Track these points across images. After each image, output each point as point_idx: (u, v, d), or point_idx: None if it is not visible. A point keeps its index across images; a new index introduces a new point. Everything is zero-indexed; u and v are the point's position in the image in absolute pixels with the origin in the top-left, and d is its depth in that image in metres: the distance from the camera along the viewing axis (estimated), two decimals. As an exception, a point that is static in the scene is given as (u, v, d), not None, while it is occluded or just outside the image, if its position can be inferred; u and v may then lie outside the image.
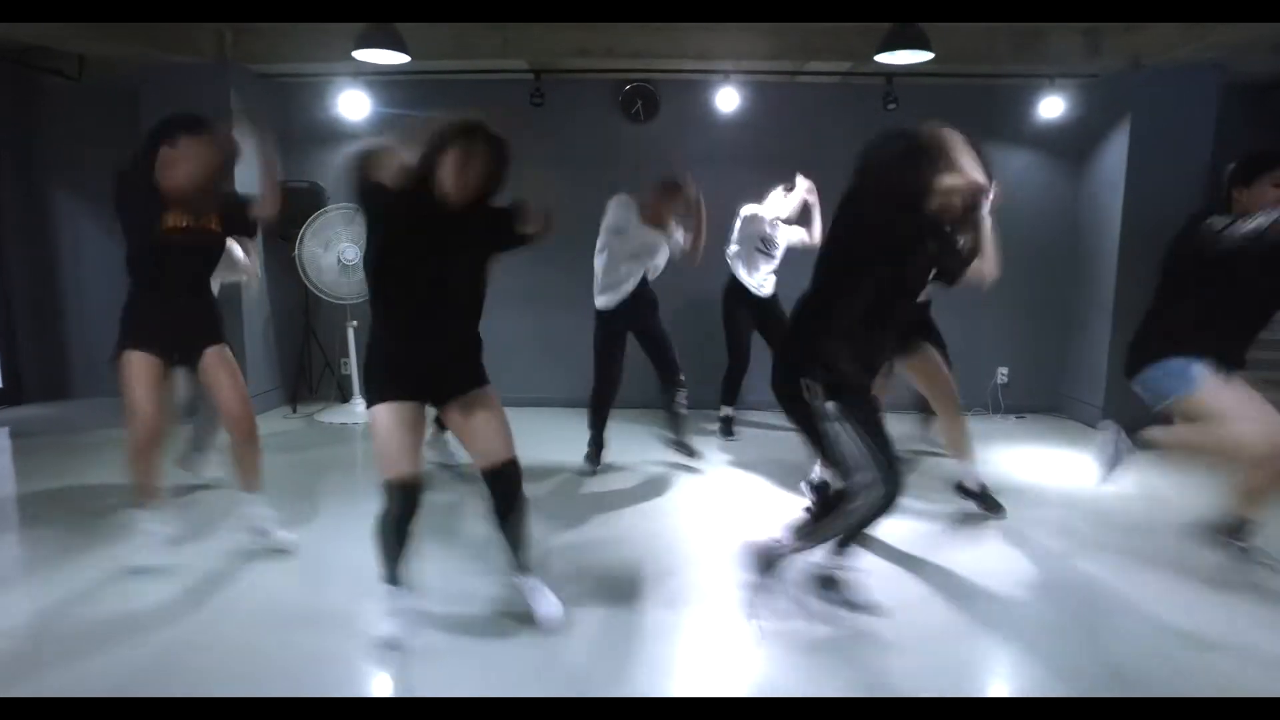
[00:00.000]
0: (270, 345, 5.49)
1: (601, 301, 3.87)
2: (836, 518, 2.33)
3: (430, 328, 2.23)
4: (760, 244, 4.48)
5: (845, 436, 2.26)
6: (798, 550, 2.43)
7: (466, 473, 3.54)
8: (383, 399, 2.21)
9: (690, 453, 4.14)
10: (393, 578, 2.26)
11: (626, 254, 3.81)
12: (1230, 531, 2.80)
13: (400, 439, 2.17)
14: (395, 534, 2.20)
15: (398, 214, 2.15)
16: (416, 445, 2.24)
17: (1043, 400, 5.53)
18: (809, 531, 2.41)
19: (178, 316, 2.74)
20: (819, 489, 3.35)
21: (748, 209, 4.47)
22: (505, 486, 2.32)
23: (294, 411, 5.41)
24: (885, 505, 2.24)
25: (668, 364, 3.99)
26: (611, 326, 3.90)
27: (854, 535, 2.39)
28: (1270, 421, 2.52)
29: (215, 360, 2.80)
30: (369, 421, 2.26)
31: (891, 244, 2.25)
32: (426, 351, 2.25)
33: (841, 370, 2.28)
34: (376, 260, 2.22)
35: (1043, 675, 2.21)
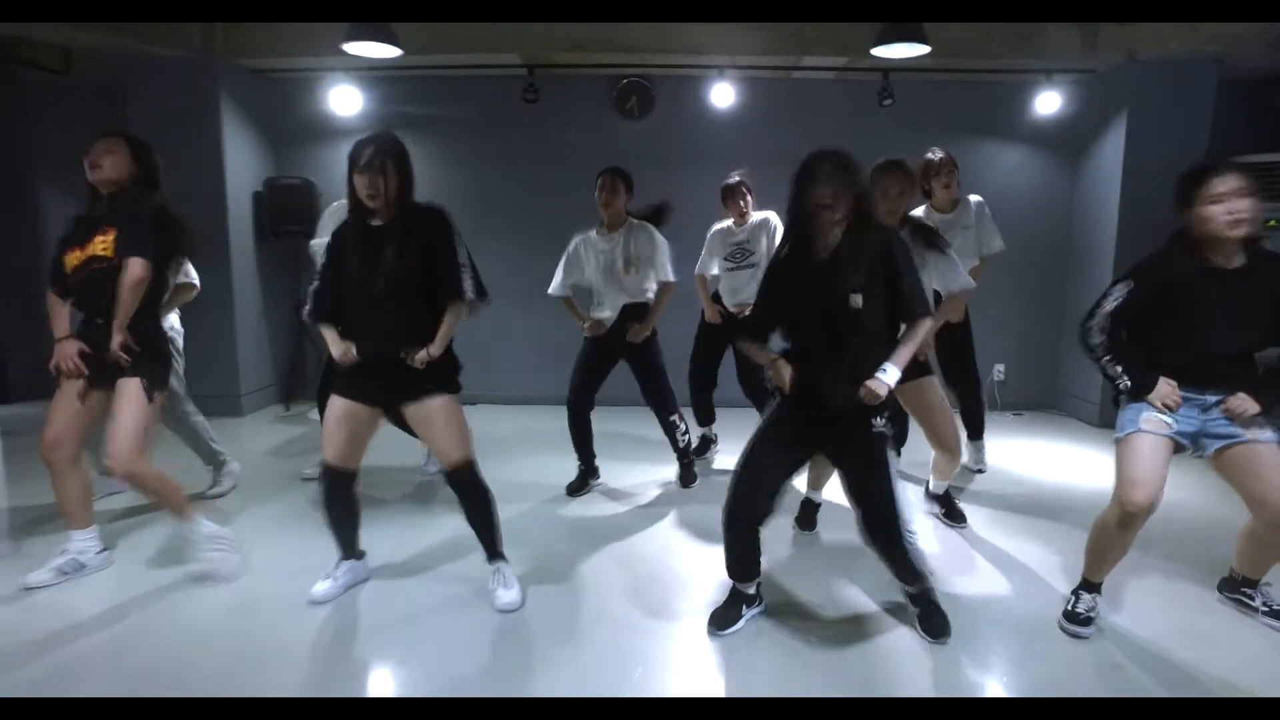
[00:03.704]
0: (263, 342, 5.44)
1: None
2: None
3: (364, 337, 2.42)
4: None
5: None
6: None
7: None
8: (336, 390, 2.49)
9: (685, 479, 3.81)
10: (338, 547, 2.62)
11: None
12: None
13: (329, 428, 2.47)
14: (324, 508, 2.55)
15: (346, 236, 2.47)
16: (343, 437, 2.46)
17: (1041, 397, 5.52)
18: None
19: (90, 341, 2.62)
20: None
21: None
22: (459, 486, 2.53)
23: (287, 410, 5.35)
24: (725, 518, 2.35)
25: (654, 401, 3.71)
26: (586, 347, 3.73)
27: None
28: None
29: (118, 391, 2.63)
30: None
31: None
32: (364, 358, 2.42)
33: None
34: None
35: (1045, 674, 2.18)
